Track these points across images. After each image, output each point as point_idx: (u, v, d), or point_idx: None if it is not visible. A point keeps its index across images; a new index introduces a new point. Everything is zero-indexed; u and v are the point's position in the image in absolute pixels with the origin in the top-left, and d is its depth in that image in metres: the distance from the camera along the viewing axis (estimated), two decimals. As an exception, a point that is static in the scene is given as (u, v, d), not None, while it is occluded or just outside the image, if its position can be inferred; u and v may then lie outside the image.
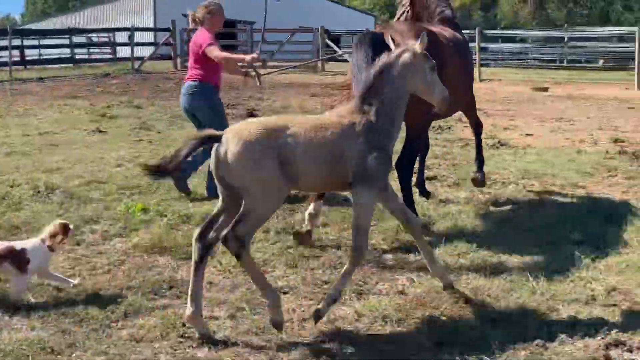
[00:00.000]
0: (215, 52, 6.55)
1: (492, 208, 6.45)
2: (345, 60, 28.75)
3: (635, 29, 21.63)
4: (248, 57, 6.76)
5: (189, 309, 3.81)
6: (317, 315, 3.93)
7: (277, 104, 15.41)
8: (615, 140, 10.28)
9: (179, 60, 26.37)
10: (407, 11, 7.00)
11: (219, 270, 4.87)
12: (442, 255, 5.08)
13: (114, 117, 12.79)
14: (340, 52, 23.64)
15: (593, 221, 5.88)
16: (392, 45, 4.29)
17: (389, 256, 5.13)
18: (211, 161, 3.88)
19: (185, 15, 33.60)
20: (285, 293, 4.44)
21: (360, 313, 4.11)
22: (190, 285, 3.84)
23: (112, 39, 31.15)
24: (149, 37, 30.98)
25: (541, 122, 12.66)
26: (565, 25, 31.78)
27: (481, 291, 4.36)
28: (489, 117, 12.65)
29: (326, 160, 3.87)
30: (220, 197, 3.97)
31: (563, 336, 3.76)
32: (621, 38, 27.55)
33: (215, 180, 3.93)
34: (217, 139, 3.81)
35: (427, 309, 4.15)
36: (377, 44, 5.27)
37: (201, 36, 6.73)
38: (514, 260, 4.98)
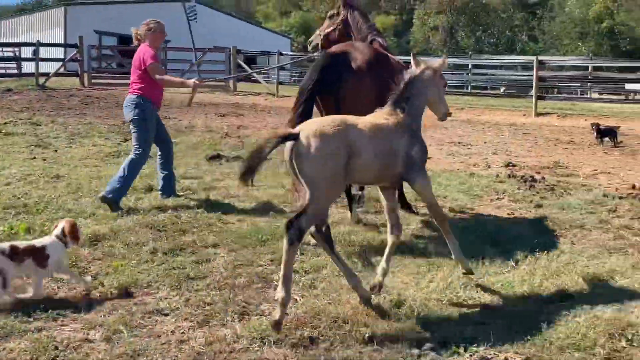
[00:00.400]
0: (156, 76, 7.02)
1: (382, 229, 6.58)
2: (257, 81, 29.02)
3: (533, 58, 22.72)
4: (191, 82, 7.30)
5: (279, 293, 4.10)
6: (470, 271, 4.96)
7: (183, 122, 15.28)
8: (507, 165, 10.74)
9: (86, 77, 25.78)
10: (338, 29, 7.39)
11: (100, 291, 4.76)
12: (328, 274, 5.16)
13: (10, 134, 12.32)
14: (252, 71, 23.65)
15: (475, 242, 6.08)
16: (412, 62, 4.99)
17: (275, 276, 5.14)
18: (286, 156, 4.22)
19: (97, 32, 32.94)
20: (166, 315, 4.40)
21: (239, 334, 4.10)
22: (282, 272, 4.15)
23: (17, 54, 30.11)
24: (59, 52, 30.13)
25: (440, 146, 13.07)
26: (470, 53, 32.99)
27: (360, 311, 4.43)
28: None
29: (384, 155, 4.47)
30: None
31: (433, 354, 3.88)
32: (525, 67, 28.83)
33: (293, 174, 4.36)
34: (295, 137, 4.17)
35: (307, 328, 4.18)
36: (336, 63, 6.19)
37: (144, 52, 7.10)
38: (395, 280, 5.10)
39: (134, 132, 7.21)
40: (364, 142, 4.34)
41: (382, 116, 4.70)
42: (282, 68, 27.14)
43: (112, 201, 6.80)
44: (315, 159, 4.13)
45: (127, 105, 7.18)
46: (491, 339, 4.06)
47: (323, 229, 4.48)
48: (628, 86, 29.33)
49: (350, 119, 4.49)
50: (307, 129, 4.21)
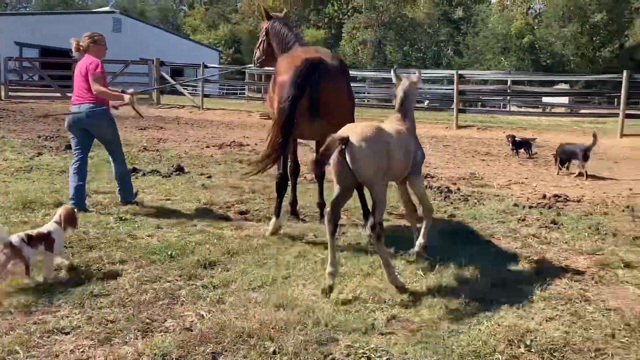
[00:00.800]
0: (95, 86, 7.17)
1: (296, 241, 6.58)
2: (181, 93, 28.71)
3: (454, 72, 23.29)
4: (127, 97, 7.48)
5: (329, 267, 5.02)
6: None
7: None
8: (425, 176, 10.93)
9: (2, 89, 24.92)
10: (264, 41, 7.72)
11: (-1, 311, 4.58)
12: (237, 288, 5.11)
13: None
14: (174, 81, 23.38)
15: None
16: (393, 75, 6.17)
17: (183, 292, 5.05)
18: (334, 158, 4.93)
19: (18, 43, 32.06)
20: (66, 334, 4.26)
21: (141, 352, 4.01)
22: (329, 251, 5.09)
23: None
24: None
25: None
26: (395, 67, 33.57)
27: (266, 325, 4.39)
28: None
29: (405, 155, 5.30)
30: (339, 188, 5.12)
31: (336, 366, 3.89)
32: (451, 80, 29.53)
33: (336, 174, 5.07)
34: (345, 140, 4.83)
35: (210, 344, 4.13)
36: (315, 68, 6.39)
37: (91, 62, 7.27)
38: (305, 292, 5.09)
39: (107, 138, 7.58)
40: (395, 144, 5.12)
41: (395, 121, 5.52)
42: (207, 80, 26.91)
43: (134, 200, 7.79)
44: (368, 158, 4.84)
45: (86, 114, 7.28)
46: (395, 349, 4.12)
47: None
48: (545, 99, 30.41)
49: (380, 125, 5.20)
50: (356, 134, 4.87)
